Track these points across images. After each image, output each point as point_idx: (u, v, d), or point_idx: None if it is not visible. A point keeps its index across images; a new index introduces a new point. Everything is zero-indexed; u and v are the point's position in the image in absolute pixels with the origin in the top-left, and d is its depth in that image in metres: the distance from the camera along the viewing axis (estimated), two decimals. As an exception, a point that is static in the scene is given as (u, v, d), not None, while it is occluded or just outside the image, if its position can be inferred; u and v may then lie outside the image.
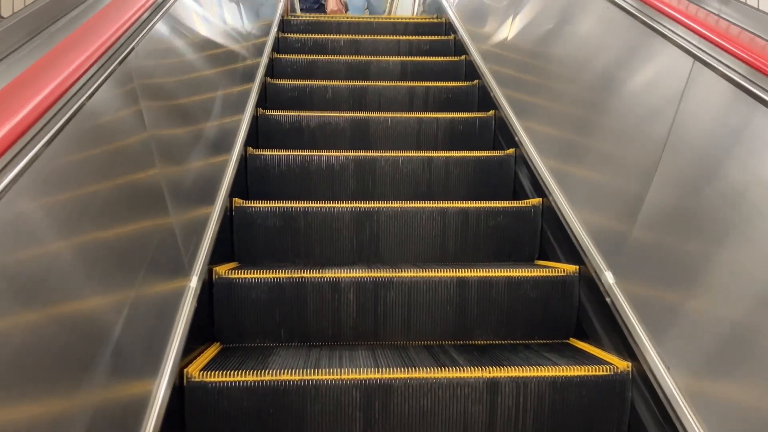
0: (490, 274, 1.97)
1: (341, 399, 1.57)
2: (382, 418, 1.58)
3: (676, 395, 1.40)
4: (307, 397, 1.56)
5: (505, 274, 1.97)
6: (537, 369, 1.61)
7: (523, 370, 1.61)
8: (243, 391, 1.54)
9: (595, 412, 1.62)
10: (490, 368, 1.61)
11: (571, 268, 1.98)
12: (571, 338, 1.99)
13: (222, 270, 1.90)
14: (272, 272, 1.91)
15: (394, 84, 3.39)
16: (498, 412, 1.60)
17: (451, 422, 1.59)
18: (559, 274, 1.98)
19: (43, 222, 1.02)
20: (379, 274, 1.95)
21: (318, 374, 1.57)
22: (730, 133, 1.47)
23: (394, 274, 1.95)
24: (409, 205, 2.30)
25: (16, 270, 0.90)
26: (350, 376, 1.58)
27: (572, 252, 2.03)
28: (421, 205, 2.30)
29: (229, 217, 2.18)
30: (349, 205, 2.28)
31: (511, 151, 2.66)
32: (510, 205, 2.35)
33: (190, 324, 1.59)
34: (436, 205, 2.31)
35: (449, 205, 2.31)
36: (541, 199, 2.32)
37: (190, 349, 1.61)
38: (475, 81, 3.37)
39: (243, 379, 1.54)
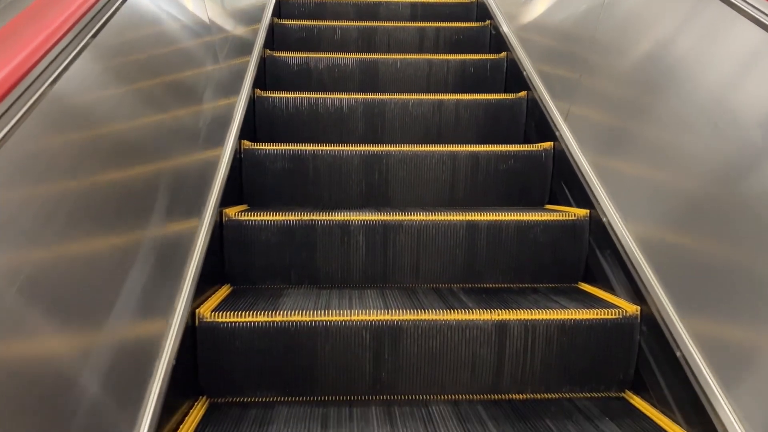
0: (500, 217, 1.96)
1: (351, 340, 1.59)
2: (392, 359, 1.60)
3: (685, 338, 1.41)
4: (318, 338, 1.58)
5: (515, 218, 1.97)
6: (546, 312, 1.62)
7: (531, 313, 1.62)
8: (254, 331, 1.56)
9: (603, 355, 1.63)
10: (499, 311, 1.62)
11: (582, 212, 1.97)
12: (580, 282, 1.99)
13: (232, 212, 1.90)
14: (282, 215, 1.91)
15: (403, 25, 3.32)
16: (506, 354, 1.62)
17: (459, 363, 1.61)
18: (569, 218, 1.97)
19: (59, 165, 1.01)
20: (388, 218, 1.94)
21: (328, 315, 1.59)
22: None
23: (403, 218, 1.94)
24: (418, 148, 2.27)
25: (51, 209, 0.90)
26: (360, 318, 1.59)
27: (583, 196, 2.02)
28: (430, 148, 2.28)
29: (238, 160, 2.17)
30: (359, 149, 2.26)
31: (522, 93, 2.61)
32: (521, 148, 2.32)
33: (201, 265, 1.60)
34: (445, 148, 2.28)
35: (459, 148, 2.29)
36: (552, 143, 2.29)
37: (201, 291, 1.62)
38: (487, 21, 3.30)
39: (254, 319, 1.56)
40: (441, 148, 2.28)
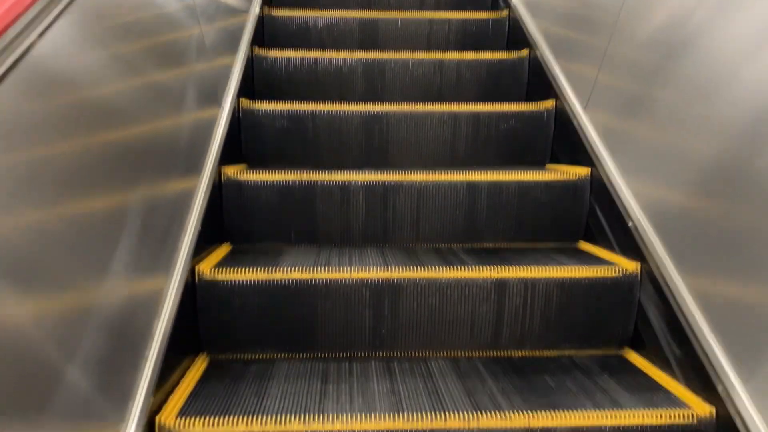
0: (501, 177, 1.95)
1: (351, 297, 1.59)
2: (391, 316, 1.60)
3: (685, 296, 1.41)
4: (318, 295, 1.58)
5: (516, 177, 1.95)
6: (546, 269, 1.62)
7: (531, 271, 1.62)
8: (254, 288, 1.56)
9: (602, 313, 1.64)
10: (499, 268, 1.62)
11: (583, 171, 1.95)
12: (580, 241, 1.99)
13: (231, 171, 1.88)
14: (281, 174, 1.90)
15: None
16: (505, 312, 1.62)
17: (458, 321, 1.62)
18: (570, 177, 1.96)
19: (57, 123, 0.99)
20: (388, 177, 1.93)
21: (328, 273, 1.59)
22: None
23: (403, 178, 1.93)
24: (419, 107, 2.25)
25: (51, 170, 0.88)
26: (360, 275, 1.59)
27: (584, 155, 2.00)
28: (431, 107, 2.25)
29: (237, 119, 2.15)
30: (359, 108, 2.23)
31: (525, 52, 2.57)
32: (522, 108, 2.30)
33: (200, 223, 1.59)
34: (447, 107, 2.26)
35: (460, 107, 2.26)
36: (554, 102, 2.27)
37: (200, 249, 1.62)
38: (489, -20, 3.24)
39: (254, 277, 1.56)
40: (442, 108, 2.25)
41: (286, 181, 1.89)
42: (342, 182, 1.91)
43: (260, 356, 1.59)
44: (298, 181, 1.90)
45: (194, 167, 1.68)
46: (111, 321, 1.06)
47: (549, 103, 2.27)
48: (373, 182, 1.92)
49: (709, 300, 1.35)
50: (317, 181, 1.90)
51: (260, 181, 1.89)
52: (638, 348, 1.62)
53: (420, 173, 1.95)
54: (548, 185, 1.95)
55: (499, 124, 2.27)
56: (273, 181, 1.89)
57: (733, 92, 1.37)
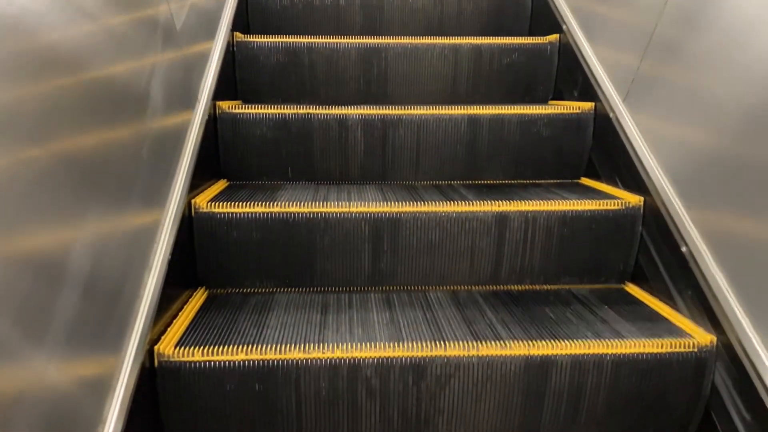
0: (503, 111, 1.91)
1: (350, 231, 1.57)
2: (391, 250, 1.59)
3: (688, 227, 1.39)
4: (317, 229, 1.56)
5: (518, 111, 1.91)
6: (547, 203, 1.60)
7: (532, 205, 1.59)
8: (252, 222, 1.54)
9: (603, 246, 1.62)
10: (500, 202, 1.59)
11: (587, 105, 1.91)
12: (582, 178, 1.96)
13: (226, 105, 1.84)
14: (277, 108, 1.86)
15: None
16: (506, 246, 1.61)
17: (458, 255, 1.60)
18: (574, 111, 1.92)
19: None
20: (387, 112, 1.89)
21: (327, 207, 1.56)
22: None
23: (403, 112, 1.89)
24: (419, 41, 2.19)
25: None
26: (359, 209, 1.57)
27: (588, 90, 1.96)
28: (431, 41, 2.19)
29: (231, 53, 2.09)
30: (356, 41, 2.17)
31: (528, -15, 2.49)
32: (525, 41, 2.23)
33: (195, 157, 1.56)
34: (447, 41, 2.19)
35: (462, 41, 2.20)
36: (558, 35, 2.20)
37: (196, 185, 1.59)
38: None
39: (252, 210, 1.53)
40: (443, 41, 2.19)
41: (282, 116, 1.85)
42: (340, 116, 1.87)
43: (259, 290, 1.59)
44: (295, 116, 1.85)
45: (188, 101, 1.63)
46: (105, 251, 1.04)
47: (553, 37, 2.21)
48: (371, 116, 1.88)
49: (713, 232, 1.33)
50: (314, 115, 1.86)
51: (256, 115, 1.84)
52: (639, 281, 1.61)
53: (420, 108, 1.90)
54: (550, 119, 1.91)
55: (501, 59, 2.21)
56: (269, 115, 1.85)
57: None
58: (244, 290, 1.58)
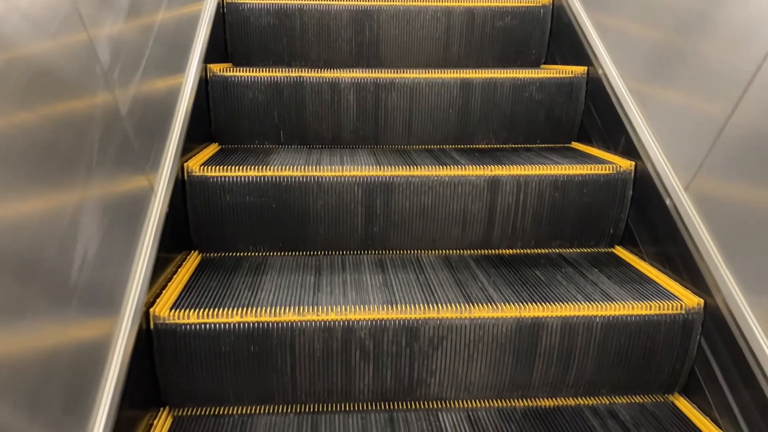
0: (495, 75, 1.90)
1: (343, 195, 1.58)
2: (384, 214, 1.59)
3: (679, 192, 1.41)
4: (310, 193, 1.56)
5: (511, 75, 1.90)
6: (539, 168, 1.60)
7: (524, 169, 1.60)
8: (244, 186, 1.54)
9: (594, 210, 1.63)
10: (492, 167, 1.60)
11: (579, 69, 1.91)
12: (574, 142, 1.97)
13: (217, 68, 1.82)
14: (268, 71, 1.84)
15: None
16: (497, 210, 1.61)
17: (451, 218, 1.61)
18: (566, 75, 1.91)
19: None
20: (380, 75, 1.87)
21: (320, 171, 1.56)
22: None
23: (395, 75, 1.87)
24: (411, 3, 2.16)
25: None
26: (352, 173, 1.57)
27: (581, 53, 1.95)
28: (424, 3, 2.16)
29: (221, 14, 2.06)
30: (348, 2, 2.14)
31: (521, -54, 2.46)
32: (519, 4, 2.21)
33: (187, 121, 1.55)
34: (440, 3, 2.17)
35: (454, 3, 2.17)
36: (551, -2, 2.19)
37: (188, 148, 1.58)
38: None
39: (244, 174, 1.53)
40: (435, 3, 2.16)
41: (273, 78, 1.83)
42: (332, 80, 1.86)
43: (252, 253, 1.59)
44: (287, 79, 1.84)
45: (178, 64, 1.61)
46: (96, 214, 1.04)
47: (546, 0, 2.19)
48: (364, 80, 1.87)
49: (703, 196, 1.35)
50: (306, 79, 1.84)
51: (247, 78, 1.83)
52: (629, 245, 1.63)
53: (412, 71, 1.89)
54: (543, 83, 1.91)
55: (494, 21, 2.19)
56: (260, 78, 1.83)
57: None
58: (238, 254, 1.59)
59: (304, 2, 2.12)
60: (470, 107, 1.92)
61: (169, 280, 1.37)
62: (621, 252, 1.63)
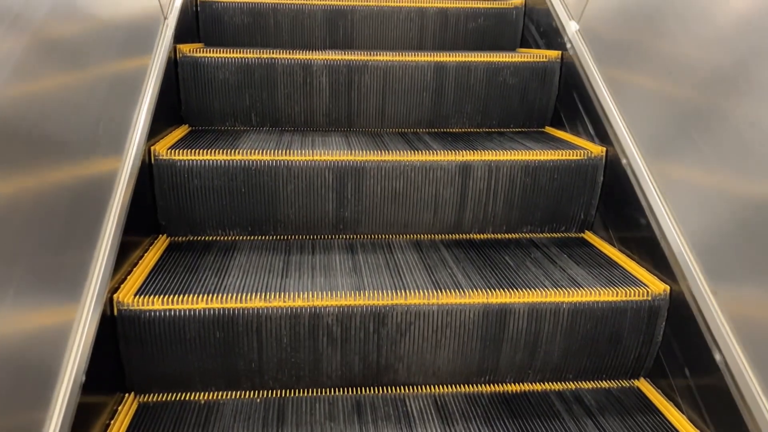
0: (469, 59, 1.89)
1: (314, 180, 1.56)
2: (355, 199, 1.58)
3: (647, 179, 1.41)
4: (280, 177, 1.55)
5: (485, 59, 1.89)
6: (511, 153, 1.60)
7: (496, 154, 1.60)
8: (213, 170, 1.52)
9: (565, 195, 1.64)
10: (464, 152, 1.59)
11: (553, 54, 1.90)
12: (547, 127, 1.97)
13: (186, 48, 1.79)
14: (240, 52, 1.81)
15: None
16: (469, 195, 1.61)
17: (422, 204, 1.61)
18: (541, 59, 1.90)
19: None
20: (353, 57, 1.85)
21: (290, 155, 1.55)
22: None
23: (369, 58, 1.85)
24: (385, 3, 2.15)
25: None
26: (323, 158, 1.55)
27: (555, 37, 1.94)
28: (397, 3, 2.15)
29: (194, 13, 2.03)
30: (322, 2, 2.13)
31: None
32: (491, 5, 2.21)
33: (155, 103, 1.52)
34: (413, 4, 2.16)
35: (428, 4, 2.17)
36: (524, -2, 2.19)
37: (156, 131, 1.55)
38: None
39: (213, 158, 1.51)
40: (409, 4, 2.16)
41: (245, 60, 1.80)
42: (304, 62, 1.83)
43: (221, 237, 1.58)
44: (258, 60, 1.81)
45: (147, 43, 1.58)
46: (60, 200, 1.02)
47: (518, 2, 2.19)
48: (337, 62, 1.85)
49: (669, 184, 1.35)
50: (278, 60, 1.82)
51: (218, 59, 1.80)
52: (599, 231, 1.64)
53: (386, 54, 1.87)
54: (517, 67, 1.90)
55: (467, 23, 2.21)
56: (231, 59, 1.80)
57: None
58: (206, 238, 1.57)
59: (278, 1, 2.09)
60: (444, 91, 1.91)
61: (135, 264, 1.35)
62: (591, 237, 1.64)
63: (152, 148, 1.49)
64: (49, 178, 0.99)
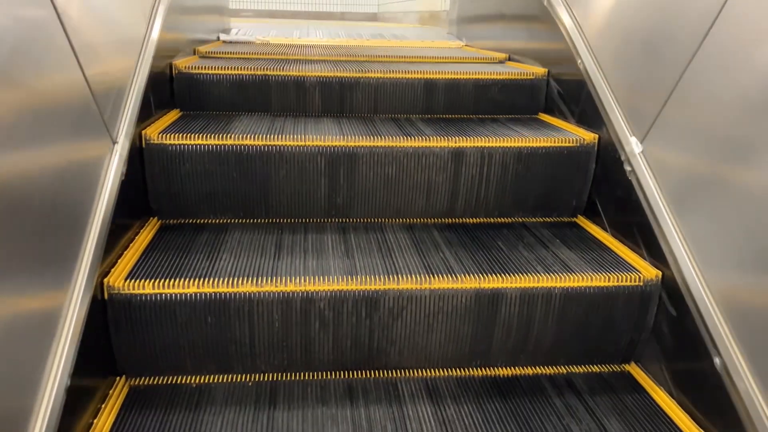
0: (459, 76, 1.88)
1: (306, 165, 1.56)
2: (347, 184, 1.58)
3: (642, 164, 1.41)
4: (271, 162, 1.54)
5: (473, 76, 1.89)
6: (503, 140, 1.60)
7: (489, 141, 1.59)
8: (204, 154, 1.51)
9: (557, 182, 1.64)
10: (457, 138, 1.59)
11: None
12: (541, 113, 1.97)
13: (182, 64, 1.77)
14: (234, 69, 1.80)
15: None
16: (461, 181, 1.61)
17: (415, 189, 1.60)
18: (527, 77, 1.90)
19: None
20: (345, 74, 1.86)
21: (282, 140, 1.54)
22: None
23: (360, 75, 1.86)
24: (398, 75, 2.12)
25: None
26: (315, 143, 1.55)
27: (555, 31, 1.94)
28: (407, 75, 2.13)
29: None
30: (319, 74, 2.10)
31: None
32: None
33: (144, 87, 1.50)
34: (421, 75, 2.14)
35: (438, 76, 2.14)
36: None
37: (147, 115, 1.54)
38: None
39: (204, 142, 1.50)
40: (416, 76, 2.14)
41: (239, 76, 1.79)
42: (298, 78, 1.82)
43: (213, 221, 1.57)
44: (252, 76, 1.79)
45: (137, 25, 1.56)
46: (50, 181, 1.01)
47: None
48: (329, 79, 1.83)
49: (662, 170, 1.35)
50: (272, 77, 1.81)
51: (212, 76, 1.78)
52: (591, 216, 1.64)
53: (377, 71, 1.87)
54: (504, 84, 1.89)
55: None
56: (226, 76, 1.78)
57: None
58: (198, 221, 1.56)
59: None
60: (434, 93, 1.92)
61: (126, 248, 1.34)
62: (583, 222, 1.64)
63: (143, 132, 1.48)
64: (34, 161, 0.98)
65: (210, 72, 1.82)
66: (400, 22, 7.09)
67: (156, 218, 1.54)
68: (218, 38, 2.83)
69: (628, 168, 1.45)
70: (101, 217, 1.19)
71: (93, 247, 1.14)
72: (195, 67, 1.83)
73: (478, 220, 1.65)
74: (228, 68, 1.84)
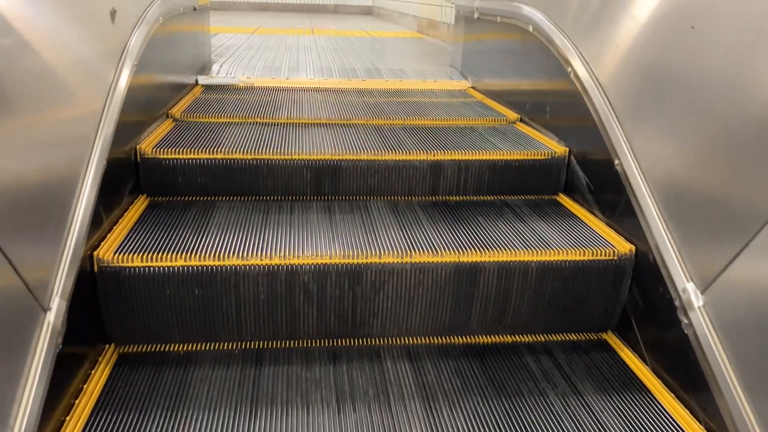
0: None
1: (292, 177, 1.64)
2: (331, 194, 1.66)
3: (625, 149, 1.43)
4: (260, 175, 1.63)
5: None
6: (478, 153, 1.69)
7: (465, 154, 1.69)
8: (197, 168, 1.59)
9: (530, 189, 1.72)
10: (435, 152, 1.68)
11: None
12: (517, 123, 2.09)
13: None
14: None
15: None
16: (440, 192, 1.69)
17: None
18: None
19: None
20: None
21: (270, 154, 1.63)
22: None
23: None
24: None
25: None
26: (301, 156, 1.64)
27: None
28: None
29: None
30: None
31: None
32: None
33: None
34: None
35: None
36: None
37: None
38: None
39: (196, 156, 1.59)
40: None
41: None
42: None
43: (201, 198, 1.62)
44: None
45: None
46: (38, 158, 1.03)
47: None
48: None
49: (642, 151, 1.38)
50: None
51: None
52: (572, 192, 1.71)
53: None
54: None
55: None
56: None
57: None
58: (186, 198, 1.62)
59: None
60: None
61: (116, 223, 1.38)
62: (564, 200, 1.70)
63: (137, 147, 1.57)
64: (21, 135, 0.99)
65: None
66: (396, 22, 7.19)
67: (145, 195, 1.60)
68: (196, 82, 2.61)
69: (610, 149, 1.52)
70: (88, 191, 1.17)
71: (80, 221, 1.13)
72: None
73: (460, 197, 1.72)
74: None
